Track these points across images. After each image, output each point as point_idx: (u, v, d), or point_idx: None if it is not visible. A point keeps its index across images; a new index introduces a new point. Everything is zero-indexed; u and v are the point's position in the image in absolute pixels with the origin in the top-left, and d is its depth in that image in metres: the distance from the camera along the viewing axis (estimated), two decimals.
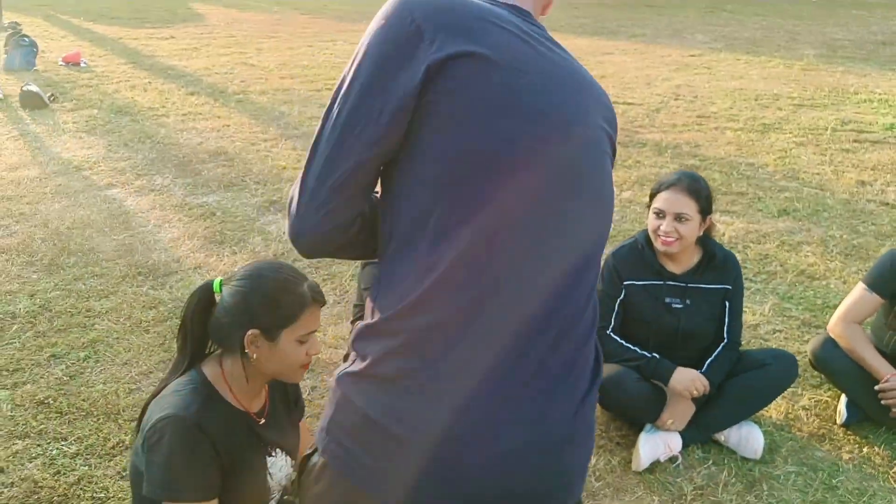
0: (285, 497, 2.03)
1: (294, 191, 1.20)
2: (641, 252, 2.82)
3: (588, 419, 1.21)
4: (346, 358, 1.28)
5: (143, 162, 5.83)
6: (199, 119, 7.11)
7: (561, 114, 1.15)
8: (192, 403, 1.76)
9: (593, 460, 2.70)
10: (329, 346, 3.35)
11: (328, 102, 1.18)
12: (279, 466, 1.97)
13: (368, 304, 1.21)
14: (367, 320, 1.20)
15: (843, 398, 2.98)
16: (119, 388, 2.98)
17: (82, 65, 9.54)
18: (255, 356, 1.80)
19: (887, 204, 5.33)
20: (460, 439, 1.12)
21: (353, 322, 2.84)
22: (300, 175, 1.20)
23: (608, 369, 2.77)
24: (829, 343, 2.96)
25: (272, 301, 1.79)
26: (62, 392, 2.95)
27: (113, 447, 2.67)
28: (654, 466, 2.69)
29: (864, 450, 2.84)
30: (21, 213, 4.71)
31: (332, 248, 1.22)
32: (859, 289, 2.94)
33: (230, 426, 1.82)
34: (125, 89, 8.26)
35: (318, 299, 1.85)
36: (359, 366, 1.17)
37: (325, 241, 1.20)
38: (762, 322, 3.68)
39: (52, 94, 7.72)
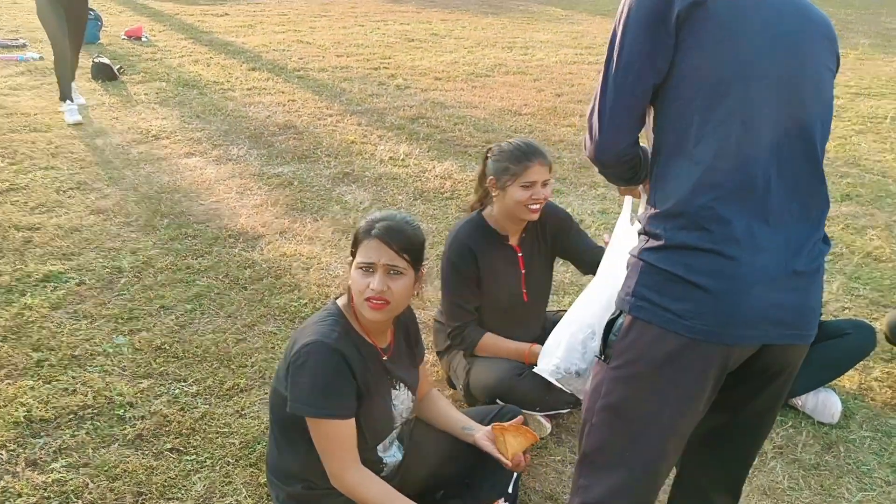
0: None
1: (592, 122, 1.58)
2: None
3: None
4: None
5: (217, 133, 6.05)
6: (264, 94, 7.31)
7: (787, 35, 1.49)
8: (332, 332, 1.96)
9: None
10: (418, 308, 3.52)
11: (607, 50, 1.56)
12: (402, 399, 2.15)
13: (651, 201, 1.58)
14: (652, 211, 1.55)
15: None
16: (227, 338, 3.19)
17: (144, 39, 9.79)
18: (350, 281, 2.01)
19: None
20: (746, 281, 1.46)
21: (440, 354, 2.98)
22: (594, 109, 1.58)
23: None
24: None
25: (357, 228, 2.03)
26: (176, 339, 3.16)
27: (229, 389, 2.87)
28: None
29: None
30: (110, 178, 4.95)
31: (628, 157, 1.61)
32: None
33: (362, 356, 2.00)
34: (188, 63, 8.48)
35: (380, 235, 1.94)
36: (655, 242, 1.52)
37: (623, 153, 1.59)
38: (831, 300, 3.80)
39: (121, 67, 7.97)
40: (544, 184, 2.63)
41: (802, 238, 1.50)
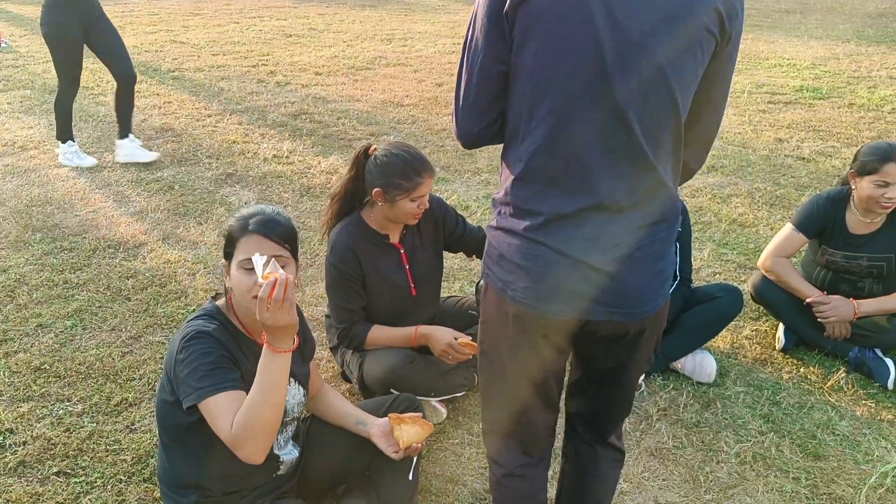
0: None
1: (455, 105, 1.69)
2: None
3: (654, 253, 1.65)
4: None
5: (90, 140, 5.80)
6: (139, 97, 6.99)
7: (617, 23, 1.46)
8: (209, 325, 1.95)
9: None
10: (310, 305, 3.52)
11: (463, 40, 1.63)
12: (292, 394, 2.14)
13: (501, 181, 1.70)
14: (497, 193, 1.70)
15: (781, 326, 3.35)
16: (112, 352, 3.09)
17: (3, 45, 9.24)
18: (229, 286, 2.00)
19: (803, 158, 5.79)
20: (555, 266, 1.59)
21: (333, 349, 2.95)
22: (455, 93, 1.67)
23: None
24: (767, 277, 3.32)
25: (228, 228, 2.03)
26: (56, 358, 3.04)
27: (117, 405, 2.79)
28: None
29: (801, 370, 3.21)
30: None
31: (485, 140, 1.71)
32: (787, 229, 3.29)
33: (243, 352, 1.98)
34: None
35: (258, 229, 1.94)
36: (494, 222, 1.71)
37: (479, 135, 1.69)
38: (703, 266, 4.03)
39: None
40: (427, 193, 2.68)
41: (627, 225, 1.57)
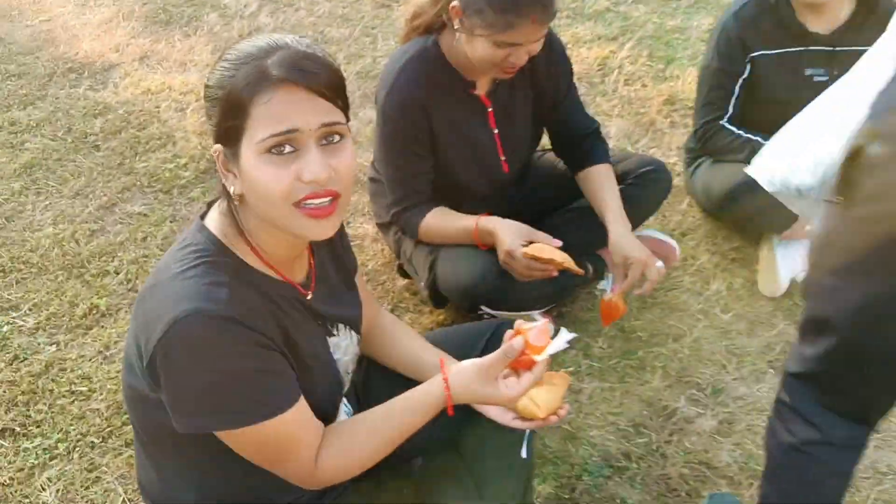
0: None
1: None
2: (775, 7, 2.08)
3: None
4: None
5: None
6: None
7: None
8: (216, 288, 1.06)
9: (712, 286, 2.13)
10: None
11: None
12: (344, 347, 1.33)
13: None
14: None
15: None
16: (76, 231, 2.24)
17: None
18: (235, 189, 1.09)
19: None
20: None
21: None
22: None
23: (725, 172, 2.16)
24: None
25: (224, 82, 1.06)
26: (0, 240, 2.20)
27: (84, 315, 1.98)
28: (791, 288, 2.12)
29: None
30: None
31: None
32: None
33: (274, 303, 1.15)
34: None
35: (290, 75, 1.02)
36: None
37: None
38: None
39: None
40: (534, 43, 1.65)
41: None
